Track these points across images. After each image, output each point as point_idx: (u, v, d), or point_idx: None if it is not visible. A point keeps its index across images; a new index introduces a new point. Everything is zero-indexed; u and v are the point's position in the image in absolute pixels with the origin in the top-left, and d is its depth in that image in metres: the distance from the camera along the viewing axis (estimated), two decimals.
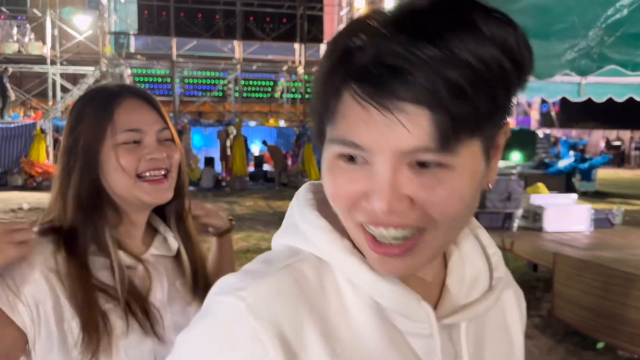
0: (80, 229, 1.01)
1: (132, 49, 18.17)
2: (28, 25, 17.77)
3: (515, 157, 13.98)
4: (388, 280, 0.55)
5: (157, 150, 1.05)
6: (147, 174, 1.04)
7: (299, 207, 0.62)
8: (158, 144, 1.06)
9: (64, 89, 17.14)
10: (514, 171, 5.66)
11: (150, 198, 1.05)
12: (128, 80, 17.99)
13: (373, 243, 0.53)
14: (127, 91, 1.07)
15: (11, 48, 17.08)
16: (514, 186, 5.10)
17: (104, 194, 1.05)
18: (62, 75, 17.40)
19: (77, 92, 16.41)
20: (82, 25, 17.87)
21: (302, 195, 0.63)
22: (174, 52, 16.68)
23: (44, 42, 17.16)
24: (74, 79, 17.62)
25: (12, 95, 15.79)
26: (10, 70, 15.51)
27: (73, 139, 1.04)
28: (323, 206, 0.60)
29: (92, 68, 17.22)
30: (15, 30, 17.42)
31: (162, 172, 1.06)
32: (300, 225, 0.61)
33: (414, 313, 0.56)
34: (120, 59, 17.34)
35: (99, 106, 1.04)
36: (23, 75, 17.92)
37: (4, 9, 17.69)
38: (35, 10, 17.57)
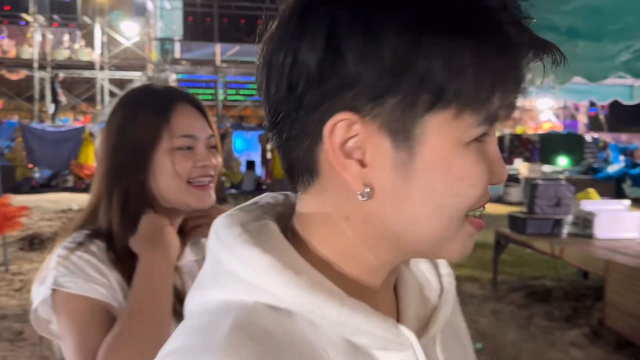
0: (123, 231, 1.03)
1: (177, 55, 18.57)
2: (78, 33, 18.38)
3: (563, 161, 13.59)
4: (361, 312, 0.47)
5: (207, 157, 1.07)
6: (197, 180, 1.06)
7: (228, 248, 0.48)
8: (207, 150, 1.08)
9: (112, 94, 17.66)
10: (561, 176, 5.52)
11: (199, 203, 1.07)
12: (174, 86, 18.36)
13: (478, 223, 0.50)
14: (180, 96, 1.08)
15: (62, 54, 17.70)
16: (563, 191, 4.97)
17: (148, 196, 1.05)
18: (110, 81, 17.92)
19: None
20: (129, 31, 18.38)
21: (226, 232, 0.49)
22: (218, 57, 16.97)
23: (93, 49, 17.72)
24: (121, 84, 18.13)
25: (63, 99, 16.37)
26: (62, 75, 16.09)
27: (123, 138, 1.04)
28: (260, 240, 0.49)
29: (138, 73, 17.68)
30: (66, 37, 18.05)
31: (209, 179, 1.08)
32: (237, 270, 0.47)
33: (394, 342, 0.48)
34: (165, 65, 17.75)
35: (155, 108, 1.05)
36: (73, 80, 18.51)
37: (56, 16, 18.35)
38: (85, 18, 18.16)
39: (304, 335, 0.46)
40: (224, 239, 0.49)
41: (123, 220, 1.03)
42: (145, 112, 1.05)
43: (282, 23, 0.48)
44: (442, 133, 0.45)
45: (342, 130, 0.46)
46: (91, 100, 18.09)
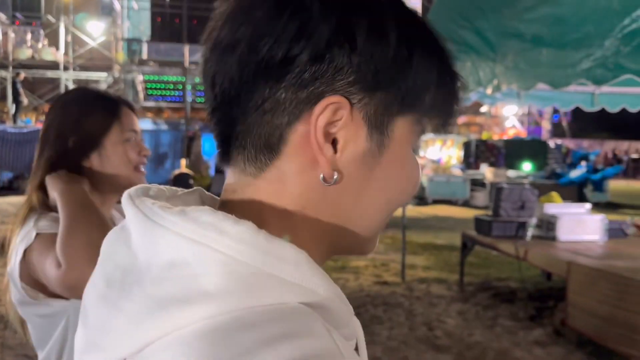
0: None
1: (144, 56, 18.31)
2: (42, 31, 17.95)
3: (527, 167, 13.92)
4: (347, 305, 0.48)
5: (146, 148, 1.33)
6: (140, 166, 1.30)
7: (252, 246, 0.42)
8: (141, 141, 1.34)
9: None
10: (525, 181, 5.64)
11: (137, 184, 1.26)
12: (140, 87, 18.14)
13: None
14: (122, 100, 1.33)
15: (25, 54, 17.25)
16: (527, 195, 5.09)
17: (89, 179, 1.25)
18: (75, 81, 17.54)
19: None
20: (95, 31, 18.04)
21: (238, 228, 0.43)
22: (186, 58, 16.80)
23: (57, 48, 17.32)
24: (87, 84, 17.77)
25: (25, 100, 15.94)
26: (23, 75, 15.68)
27: (76, 129, 1.24)
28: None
29: (104, 74, 17.36)
30: (29, 36, 17.60)
31: (145, 165, 1.33)
32: (274, 265, 0.42)
33: (354, 331, 0.52)
34: (132, 65, 17.48)
35: (107, 107, 1.28)
36: (36, 80, 18.07)
37: (18, 14, 17.89)
38: (49, 17, 17.76)
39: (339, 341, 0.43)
40: (239, 234, 0.42)
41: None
42: (100, 109, 1.27)
43: None
44: (404, 134, 0.50)
45: (329, 112, 0.46)
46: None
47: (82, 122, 1.26)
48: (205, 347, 0.38)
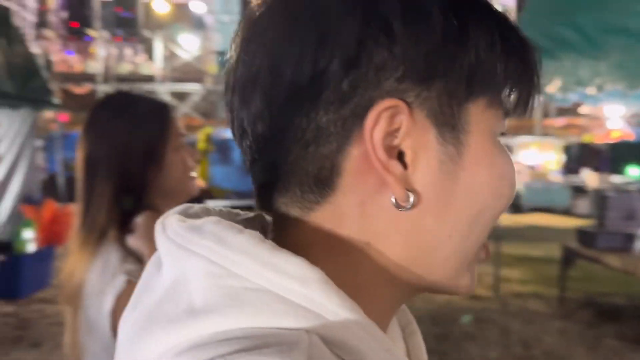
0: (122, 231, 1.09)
1: None
2: (140, 47, 19.12)
3: (634, 172, 12.94)
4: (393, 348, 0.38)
5: (196, 152, 1.24)
6: (193, 172, 1.20)
7: (253, 257, 0.35)
8: None
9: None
10: (633, 187, 5.26)
11: (195, 192, 1.20)
12: None
13: (487, 249, 0.44)
14: (169, 105, 1.23)
15: (125, 68, 18.46)
16: (636, 203, 4.69)
17: (149, 191, 1.14)
18: (170, 94, 18.51)
19: (183, 108, 17.38)
20: (188, 45, 18.95)
21: (239, 237, 0.36)
22: None
23: (154, 62, 18.37)
24: (180, 96, 18.67)
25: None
26: (125, 89, 16.74)
27: (132, 140, 1.12)
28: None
29: (197, 86, 18.17)
30: (129, 51, 18.81)
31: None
32: (274, 281, 0.35)
33: None
34: (223, 77, 18.19)
35: (159, 112, 1.17)
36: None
37: (119, 31, 19.15)
38: (146, 32, 18.87)
39: None
40: (240, 244, 0.36)
41: (122, 219, 1.09)
42: (152, 116, 1.15)
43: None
44: (482, 122, 0.40)
45: (385, 122, 0.37)
46: None
47: (138, 134, 1.12)
48: None
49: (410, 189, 0.38)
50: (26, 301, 5.60)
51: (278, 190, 0.41)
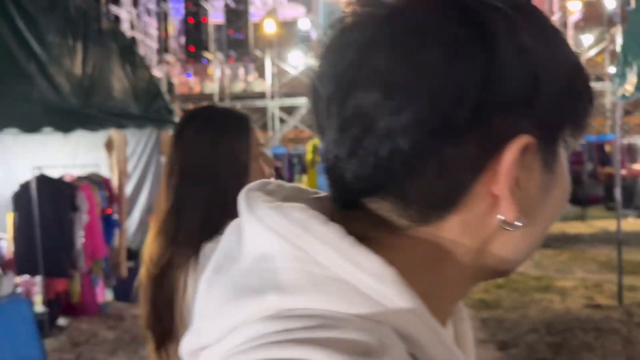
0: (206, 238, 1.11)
1: None
2: (251, 66, 20.08)
3: None
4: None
5: (273, 159, 1.29)
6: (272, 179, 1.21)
7: (336, 249, 0.39)
8: None
9: (281, 120, 18.91)
10: None
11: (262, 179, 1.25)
12: None
13: None
14: (247, 115, 1.29)
15: (238, 87, 19.48)
16: None
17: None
18: (280, 108, 19.21)
19: (292, 122, 17.97)
20: (295, 61, 19.61)
21: (324, 228, 0.40)
22: None
23: (265, 80, 19.20)
24: (289, 110, 19.32)
25: None
26: (238, 106, 17.71)
27: (219, 151, 1.19)
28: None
29: (305, 99, 18.70)
30: (241, 71, 19.83)
31: None
32: (350, 277, 0.39)
33: None
34: None
35: (240, 123, 1.23)
36: (248, 110, 20.16)
37: (232, 53, 20.27)
38: (257, 52, 19.79)
39: None
40: (325, 235, 0.40)
41: (208, 229, 1.10)
42: (235, 127, 1.22)
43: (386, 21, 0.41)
44: (561, 148, 0.45)
45: (518, 155, 0.41)
46: (263, 127, 19.56)
47: (222, 145, 1.19)
48: (252, 337, 0.38)
49: (521, 212, 0.42)
50: None
51: (386, 200, 0.43)
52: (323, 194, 0.51)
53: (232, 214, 1.19)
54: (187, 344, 0.45)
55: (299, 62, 19.66)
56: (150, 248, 1.18)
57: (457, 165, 0.41)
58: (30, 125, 4.84)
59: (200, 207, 1.15)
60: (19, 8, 4.77)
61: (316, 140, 12.65)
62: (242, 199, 0.46)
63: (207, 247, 1.11)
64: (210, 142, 1.19)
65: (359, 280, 0.39)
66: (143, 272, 1.20)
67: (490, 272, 0.46)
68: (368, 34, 0.41)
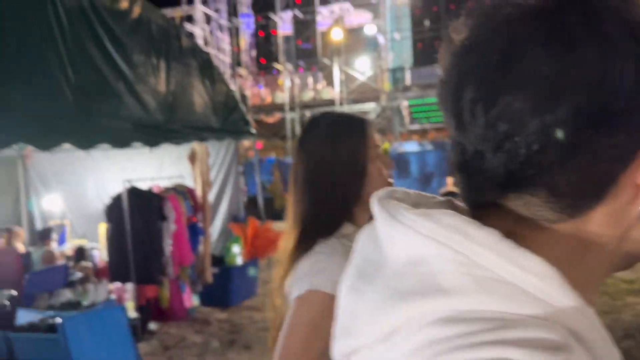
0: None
1: (408, 82, 19.16)
2: (320, 74, 20.29)
3: None
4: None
5: (389, 161, 1.29)
6: (391, 180, 1.27)
7: (497, 252, 0.41)
8: None
9: None
10: None
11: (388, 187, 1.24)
12: (405, 112, 18.99)
13: None
14: (365, 118, 1.32)
15: (308, 96, 19.75)
16: None
17: (358, 203, 1.23)
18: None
19: None
20: (363, 67, 19.64)
21: (479, 232, 0.42)
22: None
23: (333, 87, 19.36)
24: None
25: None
26: (308, 114, 17.98)
27: (338, 156, 1.23)
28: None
29: (373, 104, 18.70)
30: (310, 80, 20.09)
31: None
32: (513, 278, 0.40)
33: None
34: (397, 93, 18.44)
35: (358, 128, 1.26)
36: None
37: (301, 62, 20.58)
38: (325, 60, 19.99)
39: None
40: (483, 239, 0.41)
41: (328, 228, 1.20)
42: (350, 133, 1.25)
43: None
44: None
45: None
46: None
47: (342, 149, 1.23)
48: (436, 339, 0.39)
49: None
50: (237, 308, 6.26)
51: (524, 189, 0.43)
52: (442, 198, 0.53)
53: (349, 214, 1.20)
54: (339, 347, 0.48)
55: (366, 67, 19.68)
56: (283, 249, 1.24)
57: (610, 155, 0.42)
58: (121, 141, 5.15)
59: (321, 209, 1.21)
60: (107, 31, 5.10)
61: (386, 144, 12.60)
62: (377, 206, 0.48)
63: (323, 246, 1.18)
64: (330, 146, 1.23)
65: (523, 280, 0.40)
66: (277, 274, 1.25)
67: (629, 259, 0.47)
68: (516, 33, 0.42)
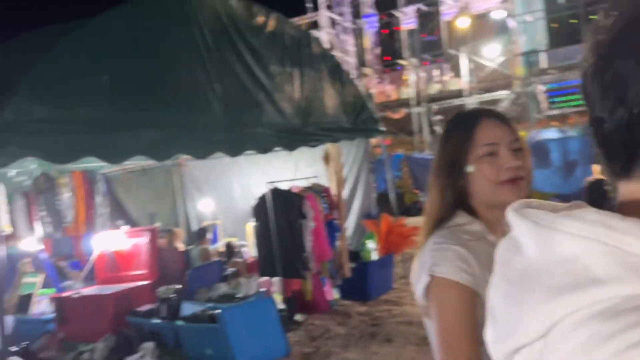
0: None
1: (543, 65, 18.07)
2: (446, 66, 19.86)
3: None
4: None
5: (509, 159, 1.22)
6: (506, 180, 1.22)
7: None
8: (510, 153, 1.23)
9: None
10: None
11: (508, 200, 1.16)
12: (541, 97, 17.92)
13: None
14: (484, 113, 1.30)
15: (434, 89, 19.44)
16: None
17: (467, 199, 1.26)
18: (480, 104, 18.63)
19: None
20: (492, 53, 18.87)
21: (629, 222, 0.45)
22: None
23: (460, 77, 18.85)
24: (490, 105, 18.65)
25: (438, 129, 17.92)
26: (435, 108, 17.69)
27: (443, 155, 1.28)
28: None
29: (505, 92, 17.89)
30: (436, 72, 19.75)
31: (518, 178, 1.23)
32: None
33: None
34: (531, 78, 17.47)
35: (461, 128, 1.27)
36: (446, 110, 20.00)
37: (426, 56, 20.29)
38: (451, 51, 19.52)
39: None
40: (628, 229, 0.44)
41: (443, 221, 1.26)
42: (455, 132, 1.29)
43: None
44: None
45: None
46: None
47: (444, 148, 1.29)
48: (599, 326, 0.42)
49: None
50: (375, 302, 6.41)
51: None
52: (574, 202, 0.54)
53: (465, 207, 1.27)
54: (498, 351, 0.52)
55: (496, 54, 18.87)
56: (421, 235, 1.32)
57: None
58: (263, 146, 5.57)
59: (434, 203, 1.29)
60: (246, 45, 5.54)
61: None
62: (515, 216, 0.53)
63: (436, 237, 1.25)
64: (440, 144, 1.32)
65: None
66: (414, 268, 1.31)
67: None
68: (625, 18, 0.48)
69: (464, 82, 18.67)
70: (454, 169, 1.25)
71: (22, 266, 5.92)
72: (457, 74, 19.15)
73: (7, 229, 5.98)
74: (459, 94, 18.78)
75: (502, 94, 17.99)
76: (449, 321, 1.15)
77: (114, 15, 4.59)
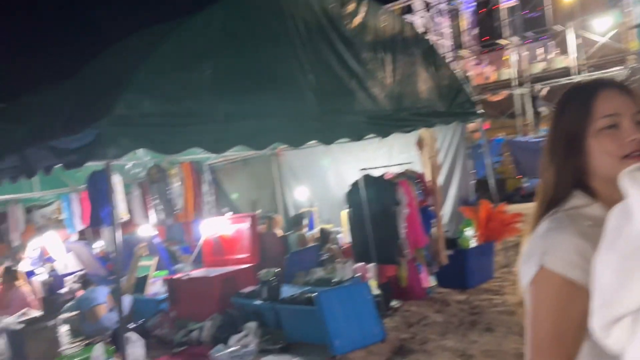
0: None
1: None
2: (550, 43, 18.74)
3: None
4: None
5: (632, 131, 1.10)
6: (632, 154, 1.09)
7: None
8: (633, 125, 1.11)
9: None
10: None
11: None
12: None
13: None
14: (603, 84, 1.18)
15: (538, 67, 18.41)
16: None
17: (584, 176, 1.15)
18: None
19: None
20: (602, 27, 17.53)
21: None
22: None
23: (567, 55, 17.71)
24: None
25: (544, 110, 16.99)
26: (540, 88, 16.76)
27: (555, 130, 1.19)
28: None
29: (618, 68, 16.59)
30: (540, 50, 18.70)
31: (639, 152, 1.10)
32: None
33: None
34: None
35: (578, 100, 1.17)
36: (551, 89, 18.92)
37: (528, 33, 19.26)
38: (556, 27, 18.39)
39: None
40: None
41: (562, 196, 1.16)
42: (571, 105, 1.19)
43: None
44: None
45: None
46: None
47: (557, 124, 1.20)
48: None
49: None
50: (474, 291, 6.25)
51: None
52: None
53: (582, 187, 1.15)
54: (599, 318, 0.52)
55: (607, 27, 17.50)
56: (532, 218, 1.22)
57: None
58: (357, 134, 5.63)
59: (547, 184, 1.19)
60: (338, 34, 5.61)
61: None
62: (629, 181, 0.52)
63: (550, 221, 1.13)
64: (553, 119, 1.23)
65: None
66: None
67: None
68: None
69: (571, 59, 17.54)
70: (571, 145, 1.15)
71: (139, 250, 6.44)
72: (564, 51, 18.02)
73: (125, 217, 6.54)
74: (566, 72, 17.68)
75: (614, 70, 16.69)
76: (547, 326, 1.05)
77: (213, 12, 4.83)
